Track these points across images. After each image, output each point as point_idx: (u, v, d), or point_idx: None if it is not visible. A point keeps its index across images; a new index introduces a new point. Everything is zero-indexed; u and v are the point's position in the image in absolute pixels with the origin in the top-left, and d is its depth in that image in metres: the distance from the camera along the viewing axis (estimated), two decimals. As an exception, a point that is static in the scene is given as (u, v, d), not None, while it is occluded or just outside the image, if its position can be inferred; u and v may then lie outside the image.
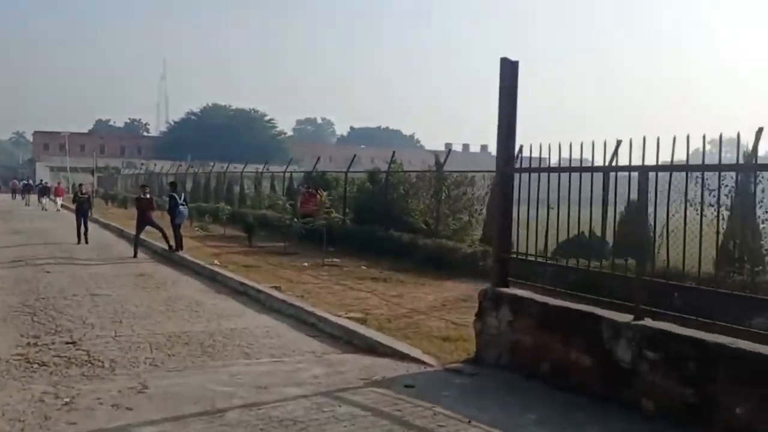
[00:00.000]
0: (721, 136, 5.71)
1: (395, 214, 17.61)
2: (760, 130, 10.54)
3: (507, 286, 6.75)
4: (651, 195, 6.27)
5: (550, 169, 6.82)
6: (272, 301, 10.64)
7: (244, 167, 32.65)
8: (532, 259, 6.91)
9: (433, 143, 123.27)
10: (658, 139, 5.79)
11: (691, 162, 6.16)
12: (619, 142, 12.21)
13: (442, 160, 17.79)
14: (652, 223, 11.12)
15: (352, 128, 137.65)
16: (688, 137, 5.67)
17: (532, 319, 6.23)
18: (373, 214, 17.97)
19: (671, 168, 6.15)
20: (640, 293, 5.54)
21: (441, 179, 16.62)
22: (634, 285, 5.63)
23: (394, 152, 19.03)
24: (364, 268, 14.70)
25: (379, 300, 10.88)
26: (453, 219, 17.00)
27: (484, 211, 16.66)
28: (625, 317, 5.46)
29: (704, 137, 5.57)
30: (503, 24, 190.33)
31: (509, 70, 6.76)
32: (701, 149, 5.65)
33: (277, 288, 11.52)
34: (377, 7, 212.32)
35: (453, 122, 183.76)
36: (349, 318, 9.18)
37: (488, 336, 6.68)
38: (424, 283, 12.70)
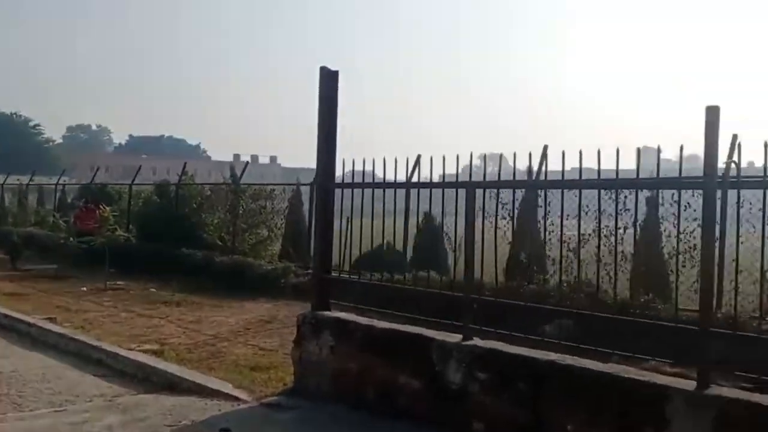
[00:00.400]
0: (502, 156, 5.77)
1: (187, 230, 16.44)
2: (545, 148, 11.30)
3: (328, 309, 6.31)
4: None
5: (365, 185, 6.57)
6: (47, 335, 9.17)
7: (5, 179, 28.81)
8: (356, 279, 6.56)
9: (221, 154, 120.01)
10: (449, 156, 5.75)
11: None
12: (418, 158, 12.63)
13: (237, 171, 17.04)
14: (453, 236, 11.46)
15: (131, 136, 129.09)
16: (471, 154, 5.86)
17: (356, 344, 5.86)
18: (161, 231, 16.60)
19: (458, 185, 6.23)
20: (468, 312, 5.40)
21: (238, 192, 15.82)
22: (463, 304, 5.48)
23: (185, 163, 17.89)
24: (154, 290, 13.43)
25: (175, 327, 9.89)
26: (250, 234, 16.30)
27: (283, 225, 16.22)
28: (455, 337, 5.29)
29: (485, 156, 5.86)
30: (291, 32, 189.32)
31: (328, 81, 6.35)
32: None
33: (51, 319, 9.99)
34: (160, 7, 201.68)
35: (241, 132, 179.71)
36: (142, 351, 8.15)
37: (308, 364, 6.18)
38: (222, 304, 11.85)
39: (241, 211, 15.73)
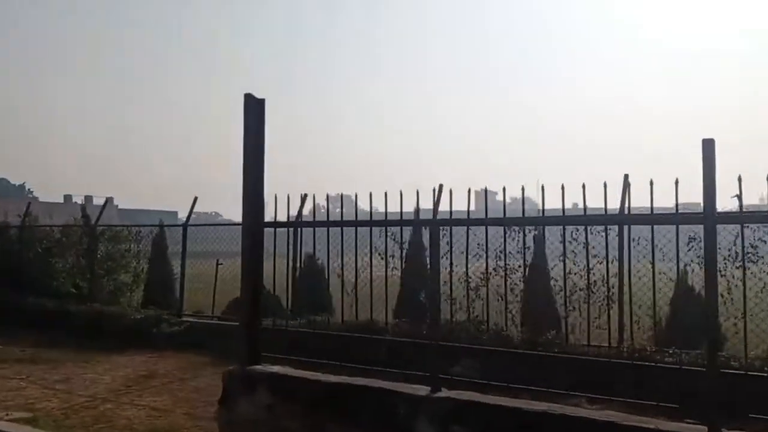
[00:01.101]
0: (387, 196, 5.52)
1: (33, 276, 14.57)
2: (440, 187, 11.21)
3: (258, 362, 5.58)
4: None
5: (307, 224, 5.94)
6: None
7: None
8: (289, 327, 5.88)
9: (50, 195, 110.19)
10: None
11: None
12: (303, 196, 12.10)
13: (88, 212, 15.46)
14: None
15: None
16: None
17: (300, 402, 5.17)
18: (1, 279, 14.62)
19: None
20: (435, 361, 4.95)
21: (94, 235, 14.28)
22: (430, 352, 5.03)
23: (30, 203, 15.95)
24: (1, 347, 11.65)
25: (41, 389, 8.50)
26: (108, 280, 14.73)
27: (145, 269, 14.79)
28: (422, 389, 4.80)
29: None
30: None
31: (255, 111, 5.69)
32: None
33: None
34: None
35: (71, 171, 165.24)
36: (12, 421, 6.83)
37: (239, 427, 5.39)
38: (87, 360, 10.45)
39: (100, 255, 14.18)
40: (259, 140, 5.55)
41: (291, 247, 11.24)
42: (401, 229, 11.13)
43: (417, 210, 11.24)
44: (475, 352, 8.71)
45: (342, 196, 13.00)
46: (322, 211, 12.27)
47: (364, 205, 11.13)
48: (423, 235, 11.03)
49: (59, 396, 8.08)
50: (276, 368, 5.50)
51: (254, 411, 5.34)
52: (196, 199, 14.19)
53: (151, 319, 12.08)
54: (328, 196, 11.45)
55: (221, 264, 14.07)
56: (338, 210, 12.54)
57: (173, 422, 6.96)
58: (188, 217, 13.55)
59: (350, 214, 13.00)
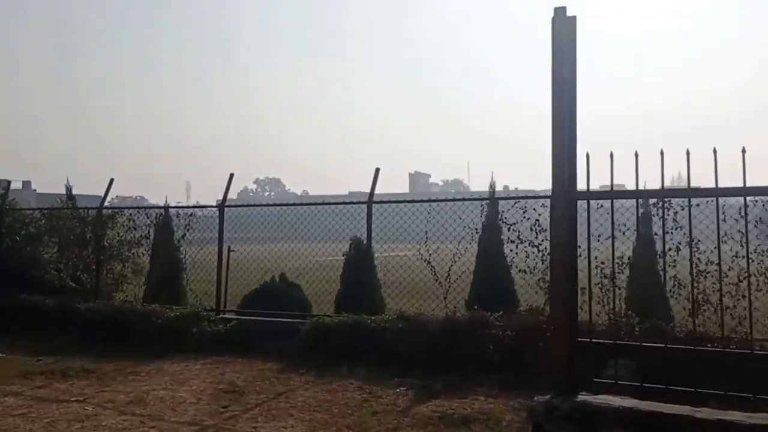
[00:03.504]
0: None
1: (16, 269, 12.35)
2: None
3: (578, 389, 4.03)
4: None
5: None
6: None
7: None
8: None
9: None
10: None
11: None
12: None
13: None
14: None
15: None
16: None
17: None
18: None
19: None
20: None
21: (101, 220, 12.24)
22: None
23: (9, 182, 13.58)
24: (3, 356, 9.65)
25: (118, 415, 6.76)
26: (106, 273, 12.72)
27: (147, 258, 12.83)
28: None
29: None
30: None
31: (567, 26, 4.16)
32: None
33: None
34: None
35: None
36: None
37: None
38: (134, 370, 8.74)
39: (107, 244, 12.14)
40: (572, 78, 4.06)
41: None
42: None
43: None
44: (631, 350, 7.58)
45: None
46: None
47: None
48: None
49: (154, 426, 6.40)
50: (628, 402, 3.89)
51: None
52: (112, 180, 12.97)
53: (190, 317, 10.33)
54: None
55: (233, 251, 12.43)
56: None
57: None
58: (224, 197, 11.74)
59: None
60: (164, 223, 12.61)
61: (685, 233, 5.73)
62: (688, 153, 4.54)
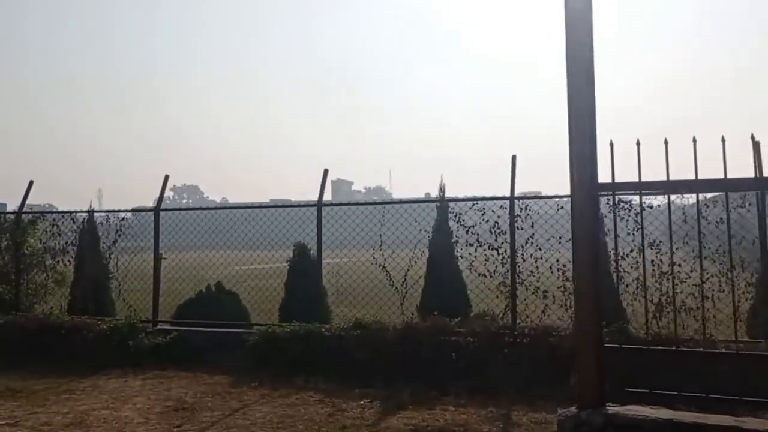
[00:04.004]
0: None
1: None
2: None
3: (606, 401, 3.71)
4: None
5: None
6: None
7: None
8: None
9: None
10: None
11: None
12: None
13: None
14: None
15: None
16: None
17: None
18: None
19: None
20: None
21: (21, 226, 11.26)
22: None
23: None
24: None
25: (59, 439, 6.08)
26: (25, 283, 11.73)
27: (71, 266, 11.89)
28: None
29: None
30: None
31: None
32: None
33: None
34: None
35: None
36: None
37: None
38: (69, 388, 8.01)
39: (27, 252, 11.19)
40: (589, 56, 3.80)
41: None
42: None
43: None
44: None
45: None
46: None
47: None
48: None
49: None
50: (665, 413, 3.60)
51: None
52: (31, 183, 12.01)
53: (125, 329, 9.61)
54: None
55: (164, 258, 11.74)
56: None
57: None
58: (159, 200, 11.03)
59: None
60: (89, 229, 11.77)
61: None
62: (666, 142, 4.40)
